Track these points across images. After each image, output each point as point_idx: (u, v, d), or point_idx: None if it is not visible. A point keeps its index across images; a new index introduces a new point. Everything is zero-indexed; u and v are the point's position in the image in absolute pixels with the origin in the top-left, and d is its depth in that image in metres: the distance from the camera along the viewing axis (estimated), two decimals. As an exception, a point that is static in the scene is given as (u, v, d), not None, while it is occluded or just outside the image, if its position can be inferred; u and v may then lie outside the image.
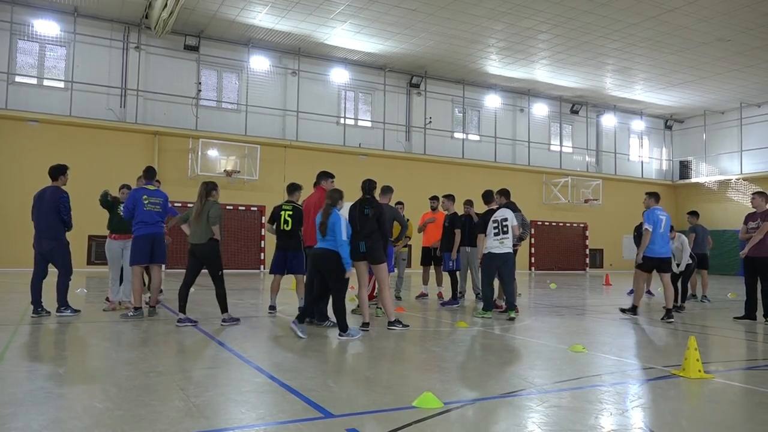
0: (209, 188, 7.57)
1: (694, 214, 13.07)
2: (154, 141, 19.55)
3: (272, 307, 8.79)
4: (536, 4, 17.33)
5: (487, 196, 9.62)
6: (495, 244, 8.77)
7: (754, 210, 9.19)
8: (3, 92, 17.89)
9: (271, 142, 21.15)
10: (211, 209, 7.38)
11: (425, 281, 11.85)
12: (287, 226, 8.39)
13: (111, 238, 8.65)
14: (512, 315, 8.67)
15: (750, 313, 9.11)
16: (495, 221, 8.83)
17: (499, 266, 8.80)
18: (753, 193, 9.34)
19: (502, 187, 9.46)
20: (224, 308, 7.56)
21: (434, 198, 11.74)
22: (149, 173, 8.32)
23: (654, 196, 9.58)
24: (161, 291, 10.22)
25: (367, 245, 7.26)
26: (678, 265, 10.46)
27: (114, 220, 8.60)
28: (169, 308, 9.19)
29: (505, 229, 8.76)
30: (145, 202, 7.90)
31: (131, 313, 7.80)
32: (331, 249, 6.64)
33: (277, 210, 8.62)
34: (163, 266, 8.52)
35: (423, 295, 11.64)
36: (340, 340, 6.53)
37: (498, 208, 9.05)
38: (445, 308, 10.09)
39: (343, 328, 6.66)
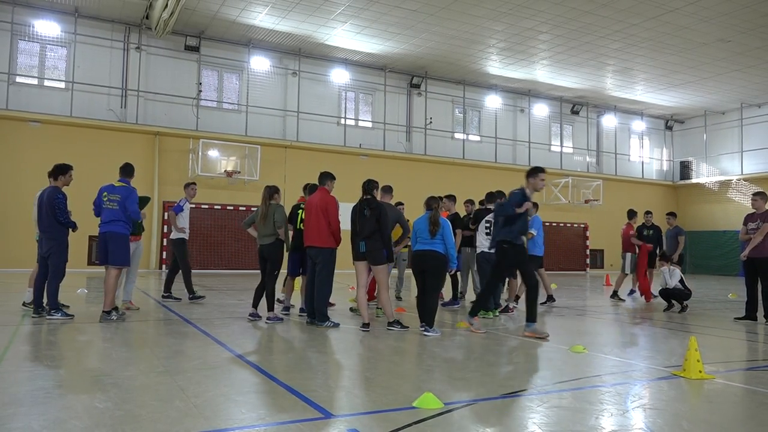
0: (271, 192, 8.00)
1: (673, 215, 13.24)
2: (154, 141, 19.56)
3: (287, 308, 8.80)
4: (537, 5, 17.33)
5: (489, 197, 9.62)
6: (488, 243, 8.86)
7: (754, 211, 9.18)
8: (4, 93, 17.90)
9: (272, 143, 21.15)
10: (276, 212, 7.84)
11: None
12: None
13: None
14: (495, 313, 8.99)
15: (751, 314, 9.11)
16: (488, 222, 8.92)
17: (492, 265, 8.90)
18: (753, 194, 9.33)
19: (499, 190, 9.58)
20: (270, 307, 7.89)
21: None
22: (122, 170, 8.05)
23: (535, 205, 10.61)
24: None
25: (367, 246, 7.27)
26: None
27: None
28: (171, 309, 9.19)
29: None
30: (105, 199, 7.74)
31: (114, 316, 7.64)
32: (440, 251, 7.22)
33: (294, 209, 8.62)
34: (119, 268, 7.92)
35: None
36: (427, 337, 6.90)
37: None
38: (446, 309, 10.09)
39: (430, 323, 7.11)
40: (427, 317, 7.13)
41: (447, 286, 11.22)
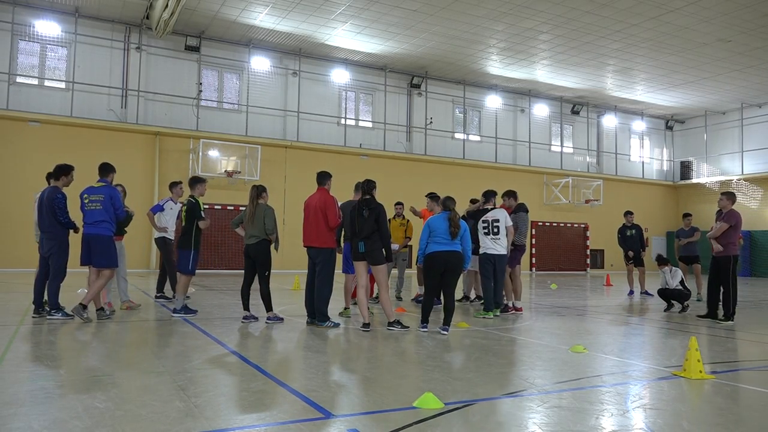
0: (259, 191, 7.88)
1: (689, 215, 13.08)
2: (155, 141, 19.56)
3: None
4: (537, 5, 17.33)
5: (487, 196, 9.55)
6: (489, 244, 8.86)
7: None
8: (4, 93, 17.90)
9: (272, 143, 21.15)
10: (266, 213, 7.72)
11: (421, 283, 11.77)
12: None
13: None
14: (496, 313, 8.94)
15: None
16: (485, 221, 8.90)
17: (494, 265, 8.90)
18: (721, 194, 9.41)
19: (510, 189, 9.59)
20: (268, 307, 7.83)
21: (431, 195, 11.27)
22: (101, 169, 8.00)
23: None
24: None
25: (367, 246, 7.28)
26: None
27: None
28: (169, 308, 9.19)
29: (495, 230, 8.85)
30: (86, 201, 7.68)
31: (108, 311, 7.71)
32: (460, 251, 7.33)
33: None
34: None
35: (420, 297, 11.57)
36: (445, 335, 6.99)
37: (492, 209, 9.09)
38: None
39: (447, 322, 7.21)
40: (447, 317, 7.24)
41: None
